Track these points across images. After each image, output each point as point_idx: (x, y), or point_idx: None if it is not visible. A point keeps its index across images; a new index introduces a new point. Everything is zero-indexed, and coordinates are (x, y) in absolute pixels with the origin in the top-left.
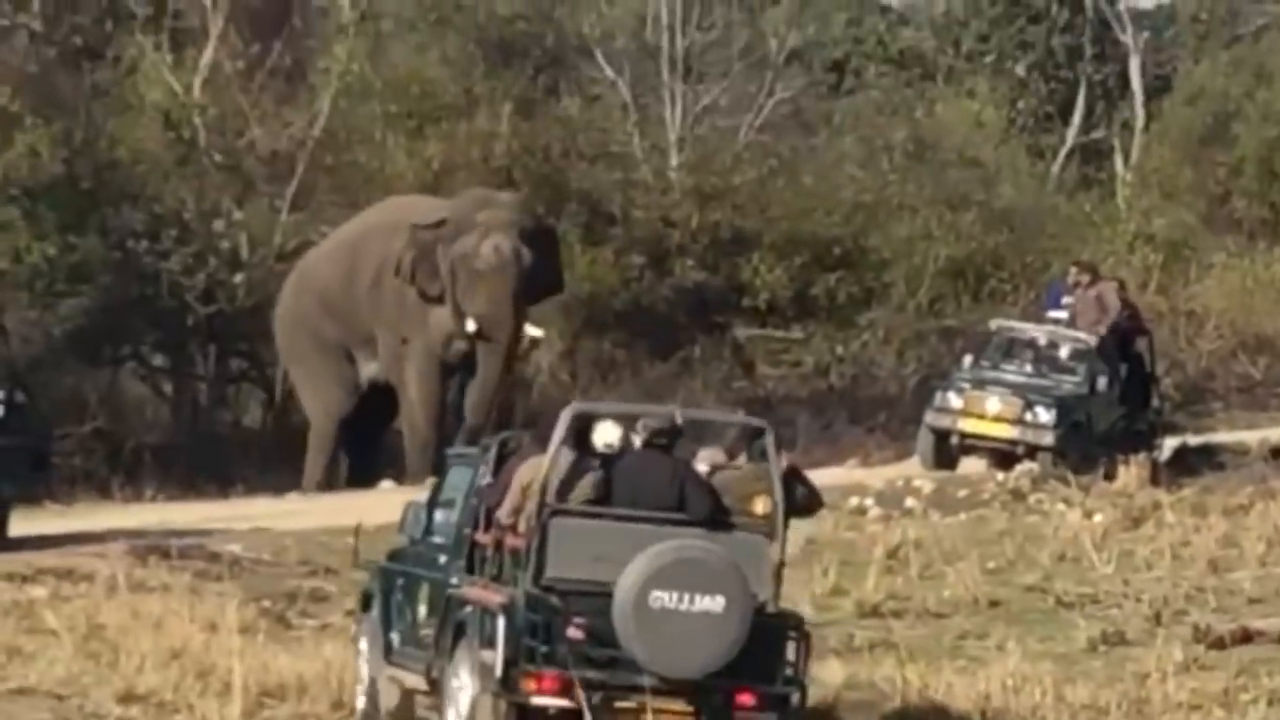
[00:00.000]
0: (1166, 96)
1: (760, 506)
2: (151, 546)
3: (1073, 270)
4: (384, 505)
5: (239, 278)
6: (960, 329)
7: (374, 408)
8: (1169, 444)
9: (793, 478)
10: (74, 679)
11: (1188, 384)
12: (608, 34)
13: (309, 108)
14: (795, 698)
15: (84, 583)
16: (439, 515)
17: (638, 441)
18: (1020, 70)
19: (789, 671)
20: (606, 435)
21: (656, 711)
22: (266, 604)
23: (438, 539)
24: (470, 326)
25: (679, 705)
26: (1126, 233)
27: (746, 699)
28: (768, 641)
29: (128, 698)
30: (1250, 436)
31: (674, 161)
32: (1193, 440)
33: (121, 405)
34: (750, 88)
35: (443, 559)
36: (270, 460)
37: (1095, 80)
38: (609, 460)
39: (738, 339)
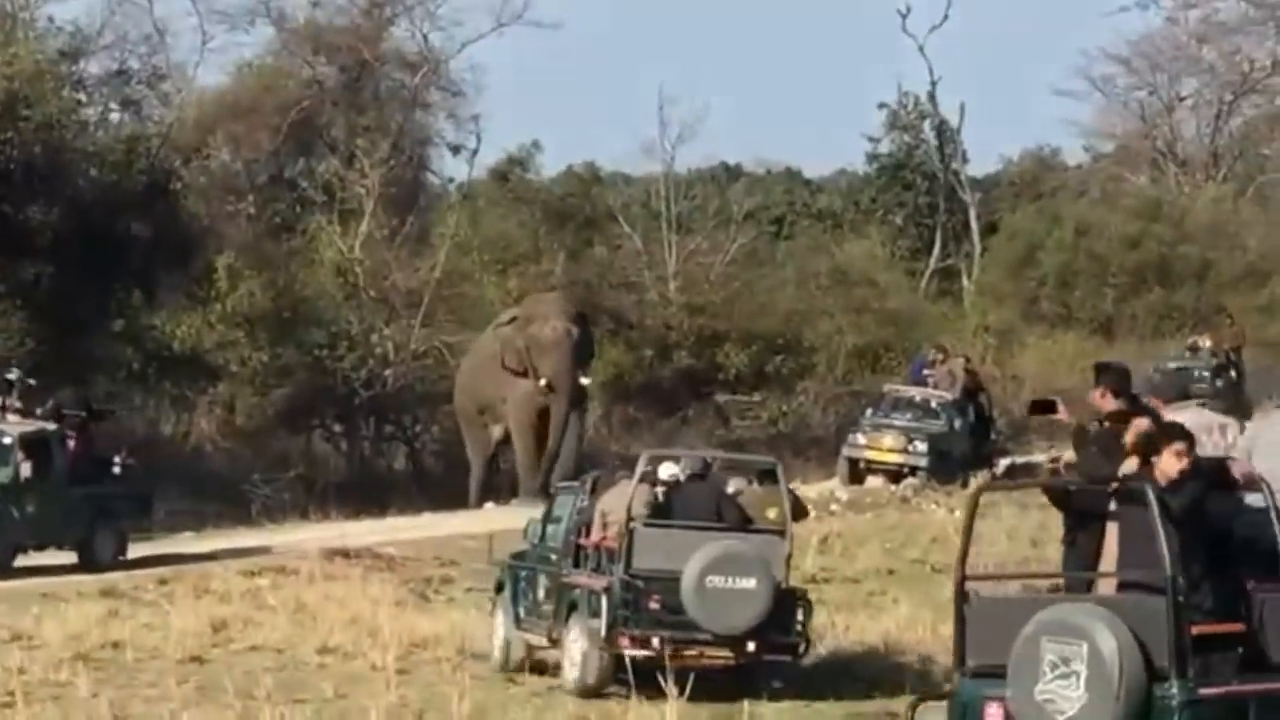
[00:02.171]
0: (994, 235)
1: (772, 515)
2: (336, 550)
3: (932, 351)
4: (487, 519)
5: (388, 372)
6: (864, 392)
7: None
8: (1003, 463)
9: (792, 496)
10: (287, 639)
11: (1013, 424)
12: (626, 204)
13: (431, 258)
14: (802, 646)
15: (292, 575)
16: (550, 528)
17: (683, 475)
18: (899, 220)
19: (798, 628)
20: (668, 470)
21: (709, 657)
22: (412, 586)
23: (550, 544)
24: (543, 383)
25: (724, 652)
26: (970, 326)
27: (769, 647)
28: (784, 608)
29: (323, 650)
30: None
31: (671, 287)
32: (1018, 460)
33: (314, 458)
34: (720, 236)
35: (554, 557)
36: (411, 492)
37: (947, 226)
38: (670, 487)
39: (717, 402)
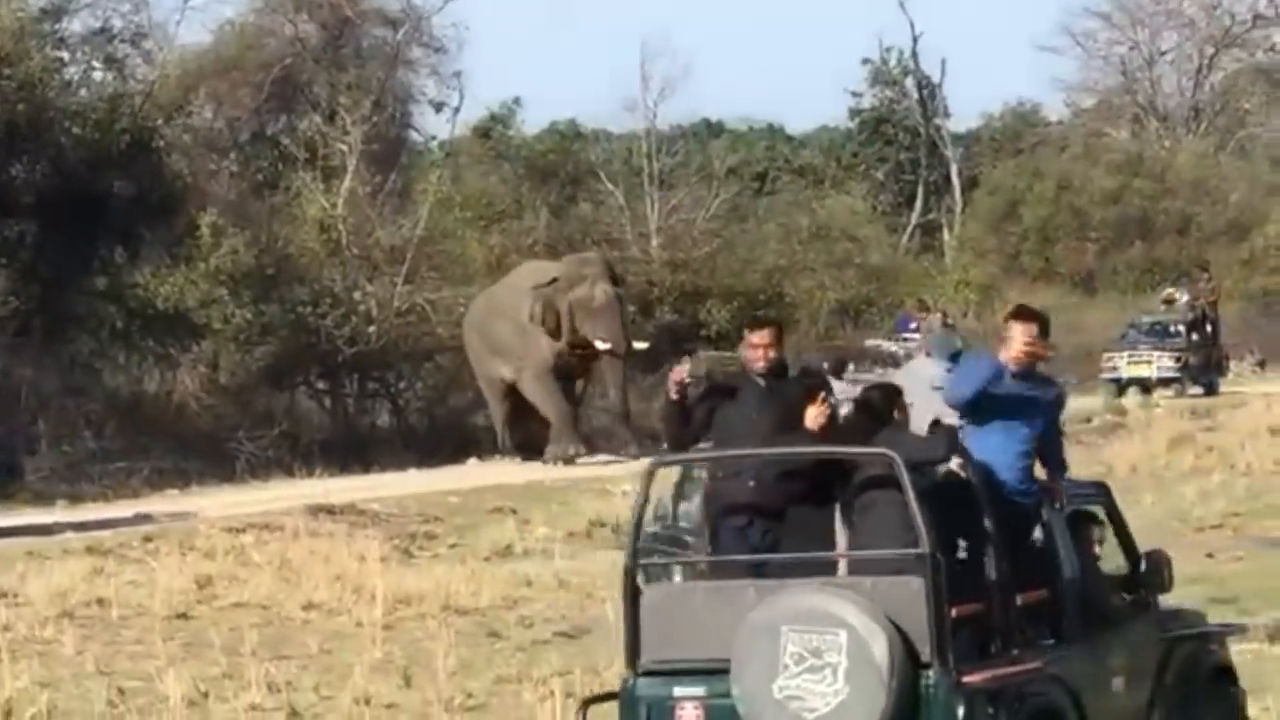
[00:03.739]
0: (975, 190)
1: None
2: (321, 507)
3: (916, 306)
4: (469, 475)
5: (371, 329)
6: (846, 347)
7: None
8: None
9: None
10: (272, 596)
11: None
12: (608, 160)
13: (413, 215)
14: None
15: (277, 532)
16: (682, 506)
17: None
18: (880, 175)
19: None
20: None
21: None
22: (396, 542)
23: (684, 524)
24: (603, 347)
25: None
26: (952, 281)
27: None
28: None
29: (308, 606)
30: None
31: (654, 243)
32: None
33: (298, 415)
34: (702, 192)
35: (690, 539)
36: (394, 449)
37: (929, 180)
38: None
39: (700, 358)
